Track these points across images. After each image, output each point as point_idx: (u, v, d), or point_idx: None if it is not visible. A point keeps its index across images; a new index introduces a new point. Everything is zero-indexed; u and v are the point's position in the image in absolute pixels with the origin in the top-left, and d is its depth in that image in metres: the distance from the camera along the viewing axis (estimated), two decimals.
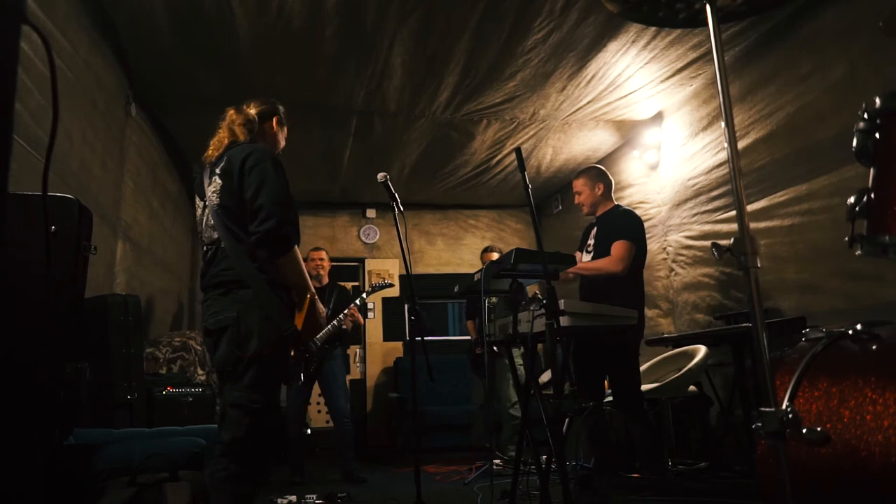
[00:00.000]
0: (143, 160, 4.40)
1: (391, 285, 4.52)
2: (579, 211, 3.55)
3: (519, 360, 4.74)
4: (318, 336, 4.12)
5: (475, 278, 2.85)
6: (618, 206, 3.47)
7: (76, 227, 1.90)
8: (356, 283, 6.94)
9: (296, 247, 1.95)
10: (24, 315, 1.54)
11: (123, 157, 3.96)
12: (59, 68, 2.82)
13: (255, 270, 1.90)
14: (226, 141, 2.12)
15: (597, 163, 5.76)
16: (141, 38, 3.56)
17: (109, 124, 3.64)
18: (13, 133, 0.65)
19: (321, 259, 4.46)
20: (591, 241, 3.43)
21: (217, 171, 2.04)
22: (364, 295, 4.30)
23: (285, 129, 2.33)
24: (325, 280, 4.46)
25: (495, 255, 4.83)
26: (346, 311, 4.17)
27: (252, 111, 2.20)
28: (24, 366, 1.61)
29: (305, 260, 4.37)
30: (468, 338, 5.10)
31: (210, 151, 2.13)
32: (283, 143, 2.31)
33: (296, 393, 4.22)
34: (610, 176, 3.51)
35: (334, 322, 4.16)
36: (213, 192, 2.02)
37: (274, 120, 2.24)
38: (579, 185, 3.47)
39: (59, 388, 1.95)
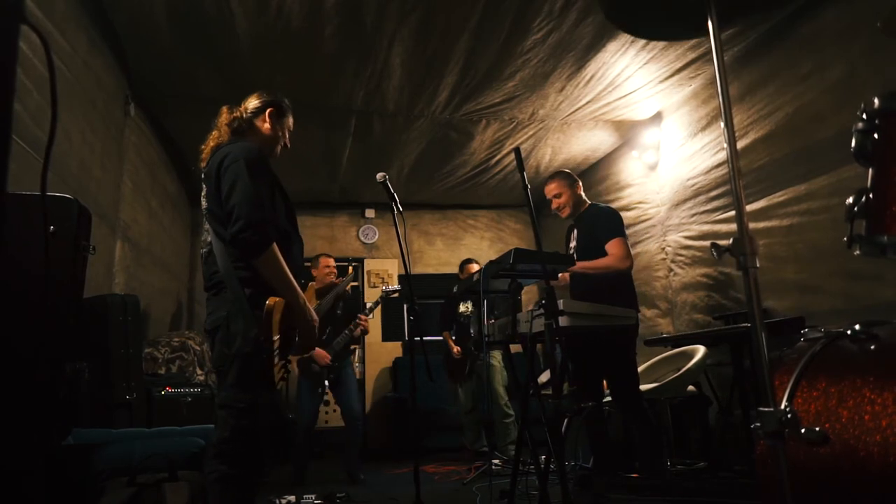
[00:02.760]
0: (142, 160, 4.39)
1: (397, 290, 4.58)
2: None
3: (496, 362, 4.79)
4: (336, 343, 4.26)
5: (475, 278, 2.85)
6: (594, 204, 3.48)
7: (75, 227, 1.90)
8: (355, 283, 6.94)
9: (274, 247, 1.85)
10: (24, 315, 1.54)
11: (122, 157, 3.95)
12: (58, 68, 2.82)
13: (235, 271, 1.87)
14: (212, 144, 2.10)
15: (595, 163, 5.78)
16: (140, 37, 3.56)
17: (108, 124, 3.63)
18: (12, 133, 0.65)
19: (331, 266, 4.52)
20: (572, 244, 3.43)
21: (202, 175, 2.04)
22: (373, 304, 4.43)
23: (287, 119, 2.21)
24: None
25: (476, 267, 4.85)
26: (357, 321, 4.28)
27: (246, 106, 2.16)
28: (24, 366, 1.61)
29: (319, 267, 4.41)
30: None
31: (203, 156, 2.12)
32: (284, 136, 2.20)
33: (309, 400, 4.25)
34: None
35: (350, 328, 4.29)
36: (203, 196, 2.03)
37: (267, 113, 2.15)
38: (555, 187, 3.44)
39: (59, 387, 1.95)
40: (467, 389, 4.87)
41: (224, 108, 2.15)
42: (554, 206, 3.50)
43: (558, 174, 3.52)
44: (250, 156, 1.93)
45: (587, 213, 3.43)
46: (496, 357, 4.84)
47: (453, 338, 4.93)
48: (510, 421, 4.72)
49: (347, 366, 4.36)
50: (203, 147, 2.12)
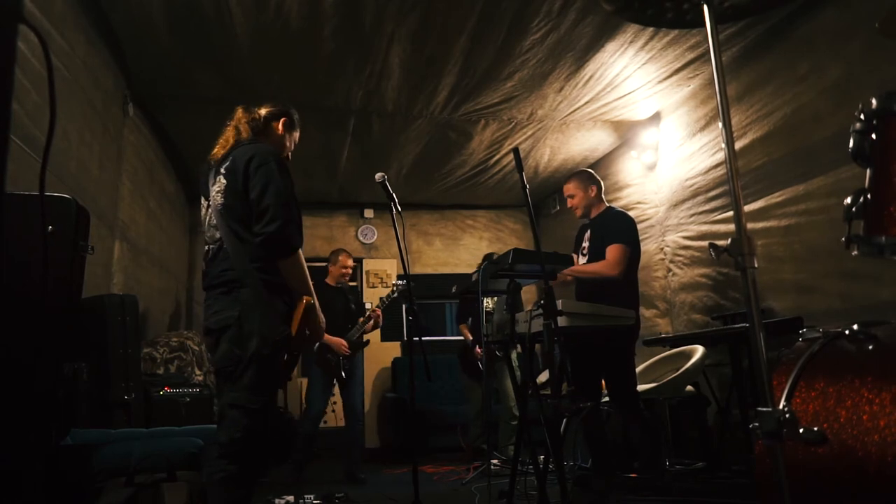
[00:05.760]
0: (141, 160, 4.39)
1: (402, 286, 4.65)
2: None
3: (516, 361, 4.76)
4: (351, 335, 4.34)
5: (472, 278, 2.85)
6: (610, 207, 3.48)
7: (73, 226, 1.90)
8: (354, 283, 6.93)
9: (299, 249, 1.94)
10: (22, 315, 1.54)
11: (121, 156, 3.95)
12: (57, 68, 2.82)
13: (254, 270, 1.89)
14: (231, 140, 2.12)
15: (594, 163, 5.78)
16: (139, 37, 3.56)
17: (107, 124, 3.63)
18: (10, 133, 0.65)
19: (348, 267, 4.59)
20: (585, 244, 3.44)
21: (222, 170, 2.04)
22: (386, 298, 4.44)
23: (295, 134, 2.31)
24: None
25: None
26: (368, 313, 4.39)
27: (261, 111, 2.22)
28: (22, 366, 1.60)
29: (337, 264, 4.50)
30: (460, 337, 5.10)
31: (216, 150, 2.13)
32: (290, 147, 2.29)
33: (321, 392, 4.29)
34: (600, 179, 3.52)
35: (360, 321, 4.38)
36: (218, 191, 2.01)
37: (281, 121, 2.23)
38: (571, 188, 3.47)
39: (57, 388, 1.94)
40: (487, 385, 4.84)
41: (239, 108, 2.21)
42: (568, 205, 3.53)
43: (577, 174, 3.53)
44: (279, 159, 2.00)
45: (602, 215, 3.42)
46: (512, 357, 4.80)
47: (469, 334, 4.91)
48: (516, 424, 4.69)
49: (359, 362, 4.41)
50: (221, 140, 2.15)
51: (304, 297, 1.92)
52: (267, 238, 1.87)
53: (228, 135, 2.15)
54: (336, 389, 4.43)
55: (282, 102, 2.30)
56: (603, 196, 3.50)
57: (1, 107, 0.62)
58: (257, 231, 1.88)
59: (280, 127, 2.23)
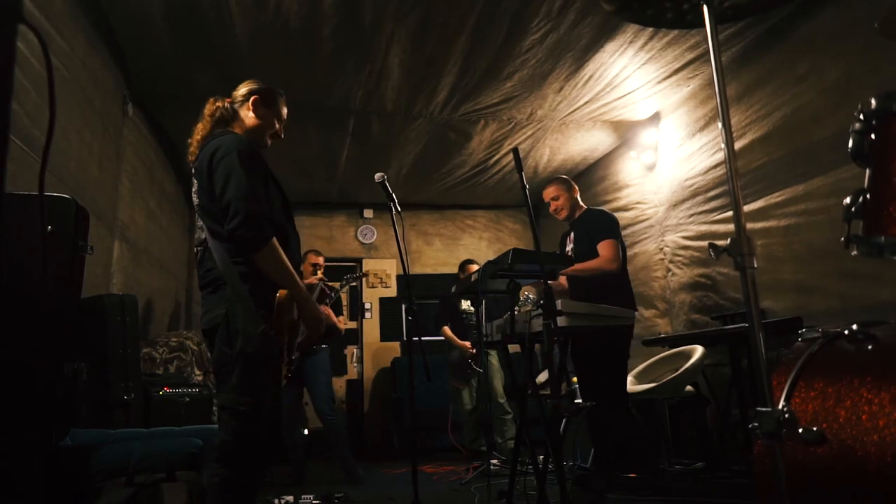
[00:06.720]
0: (140, 160, 4.39)
1: (357, 278, 4.62)
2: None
3: (493, 361, 4.78)
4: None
5: (472, 278, 2.85)
6: (590, 208, 3.58)
7: (73, 226, 1.90)
8: (354, 284, 6.93)
9: (273, 241, 1.81)
10: (21, 315, 1.54)
11: (120, 156, 3.95)
12: (56, 68, 2.82)
13: (232, 266, 1.83)
14: (198, 137, 2.03)
15: (594, 163, 5.79)
16: (138, 37, 3.56)
17: (106, 124, 3.63)
18: (10, 133, 0.65)
19: (314, 265, 4.39)
20: (569, 247, 3.49)
21: (193, 170, 1.98)
22: (333, 294, 4.28)
23: (276, 108, 2.11)
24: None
25: (476, 268, 4.84)
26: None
27: (235, 94, 2.10)
28: (22, 366, 1.60)
29: (303, 262, 4.35)
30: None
31: (191, 150, 2.05)
32: (272, 126, 2.10)
33: (284, 393, 4.15)
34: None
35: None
36: (195, 192, 1.96)
37: (251, 102, 2.06)
38: (553, 191, 3.54)
39: (57, 388, 1.94)
40: (471, 388, 4.86)
41: (210, 99, 2.09)
42: (552, 208, 3.60)
43: (556, 179, 3.64)
44: (242, 148, 1.87)
45: (583, 217, 3.52)
46: (493, 356, 4.85)
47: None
48: (509, 418, 4.72)
49: (315, 361, 4.19)
50: (190, 141, 2.06)
51: (279, 292, 1.80)
52: (229, 235, 1.78)
53: (196, 131, 2.05)
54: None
55: (256, 80, 2.11)
56: (579, 198, 3.60)
57: (1, 107, 0.62)
58: (226, 228, 1.80)
59: (251, 109, 2.06)
